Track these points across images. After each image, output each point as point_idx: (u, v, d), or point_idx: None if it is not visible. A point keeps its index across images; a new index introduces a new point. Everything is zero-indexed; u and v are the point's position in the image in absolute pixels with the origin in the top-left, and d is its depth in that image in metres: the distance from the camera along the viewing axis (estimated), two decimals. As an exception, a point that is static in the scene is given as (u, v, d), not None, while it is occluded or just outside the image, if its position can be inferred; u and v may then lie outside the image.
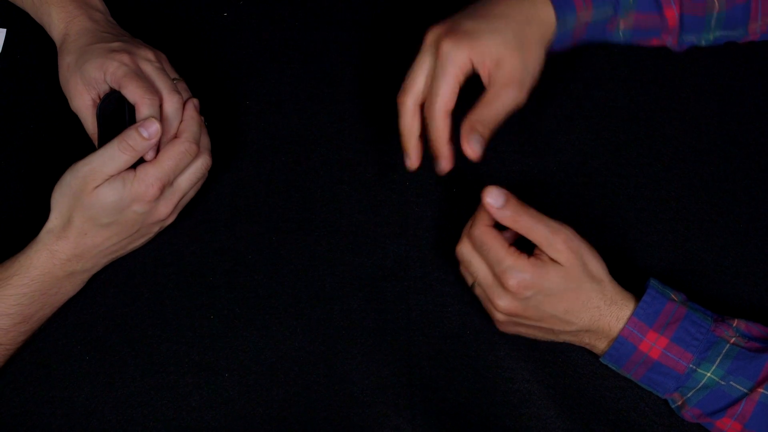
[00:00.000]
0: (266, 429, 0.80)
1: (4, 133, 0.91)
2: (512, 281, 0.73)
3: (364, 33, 0.95)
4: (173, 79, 0.84)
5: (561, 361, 0.81)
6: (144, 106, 0.80)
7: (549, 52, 0.80)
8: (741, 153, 0.88)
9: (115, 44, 0.84)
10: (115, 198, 0.78)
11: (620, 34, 0.83)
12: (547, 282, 0.73)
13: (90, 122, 0.84)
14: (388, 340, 0.83)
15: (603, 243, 0.79)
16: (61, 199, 0.79)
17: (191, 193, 0.84)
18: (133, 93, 0.80)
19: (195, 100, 0.84)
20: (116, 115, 0.82)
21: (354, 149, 0.90)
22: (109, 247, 0.81)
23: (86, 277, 0.83)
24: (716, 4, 0.82)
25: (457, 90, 0.76)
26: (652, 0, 0.81)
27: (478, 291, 0.78)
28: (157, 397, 0.80)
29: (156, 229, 0.84)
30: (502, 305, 0.75)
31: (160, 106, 0.81)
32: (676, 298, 0.75)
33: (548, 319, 0.75)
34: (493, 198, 0.74)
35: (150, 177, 0.78)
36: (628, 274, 0.79)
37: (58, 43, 0.87)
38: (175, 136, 0.82)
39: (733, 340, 0.73)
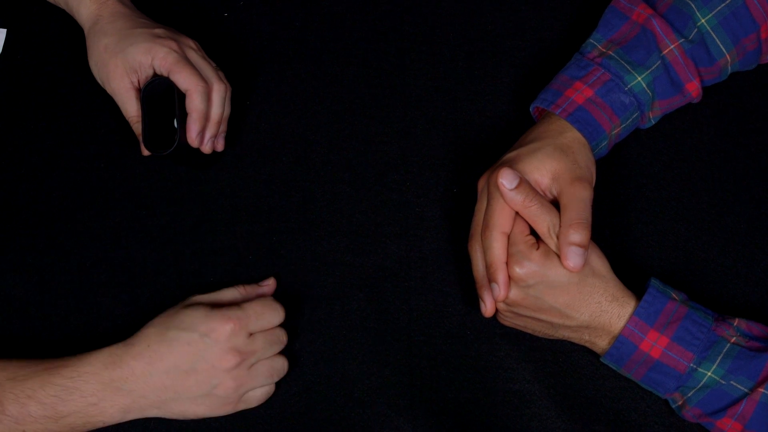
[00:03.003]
0: (266, 429, 0.80)
1: (4, 133, 0.90)
2: (518, 268, 0.73)
3: (365, 33, 0.95)
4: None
5: (561, 361, 0.81)
6: (196, 93, 0.81)
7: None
8: (741, 153, 0.88)
9: (159, 30, 0.84)
10: (195, 316, 0.75)
11: (651, 121, 0.84)
12: (551, 273, 0.73)
13: (129, 105, 0.84)
14: (388, 340, 0.83)
15: (603, 243, 0.78)
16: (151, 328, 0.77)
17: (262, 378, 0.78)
18: (186, 80, 0.81)
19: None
20: (163, 101, 0.83)
21: (354, 149, 0.90)
22: (170, 386, 0.75)
23: (129, 407, 0.75)
24: (728, 58, 0.83)
25: (512, 213, 0.75)
26: (669, 84, 0.82)
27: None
28: (157, 398, 0.80)
29: (222, 394, 0.76)
30: None
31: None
32: (676, 298, 0.75)
33: (547, 310, 0.75)
34: (507, 179, 0.74)
35: (230, 311, 0.76)
36: (628, 273, 0.79)
37: (87, 25, 0.86)
38: (217, 123, 0.84)
39: (733, 339, 0.73)
